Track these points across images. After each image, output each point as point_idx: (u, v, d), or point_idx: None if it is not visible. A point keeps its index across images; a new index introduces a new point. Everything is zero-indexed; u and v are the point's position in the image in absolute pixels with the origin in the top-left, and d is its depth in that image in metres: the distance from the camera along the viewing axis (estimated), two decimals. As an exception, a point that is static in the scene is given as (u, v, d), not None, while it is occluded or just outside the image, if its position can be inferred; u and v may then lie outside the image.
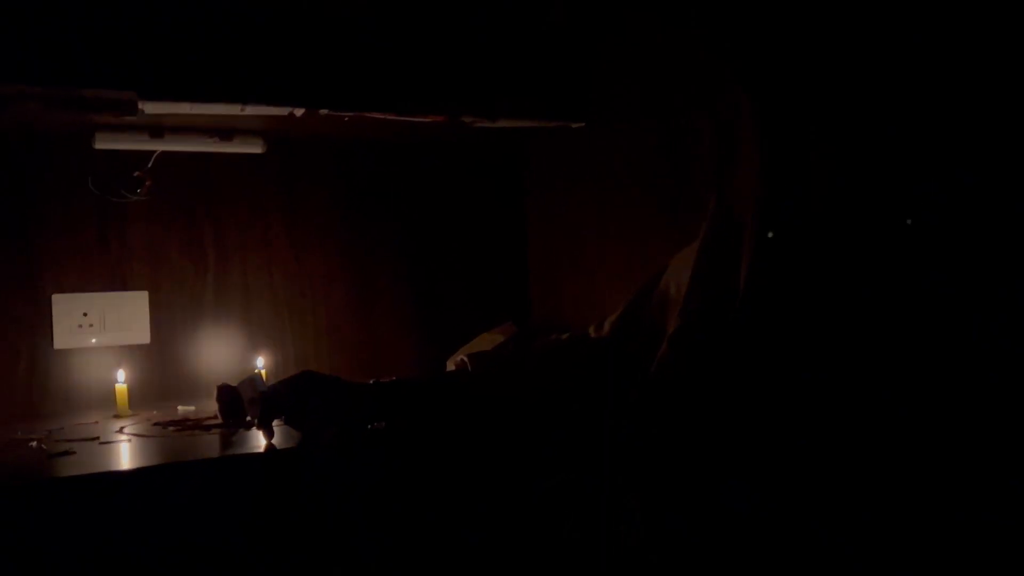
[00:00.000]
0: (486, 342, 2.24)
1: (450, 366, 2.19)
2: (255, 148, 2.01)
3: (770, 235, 1.04)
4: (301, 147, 2.14)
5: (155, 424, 1.56)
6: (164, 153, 1.94)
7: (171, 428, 1.51)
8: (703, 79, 1.36)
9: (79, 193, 1.90)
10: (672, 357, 1.13)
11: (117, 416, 1.71)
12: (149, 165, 1.95)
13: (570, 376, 1.34)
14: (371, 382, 1.37)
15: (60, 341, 1.88)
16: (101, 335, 1.92)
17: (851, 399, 1.03)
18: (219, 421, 1.52)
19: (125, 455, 1.30)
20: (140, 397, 1.90)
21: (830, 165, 1.05)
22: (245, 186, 2.09)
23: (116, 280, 1.95)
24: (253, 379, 1.40)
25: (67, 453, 1.30)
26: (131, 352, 1.95)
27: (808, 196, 1.05)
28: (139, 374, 1.94)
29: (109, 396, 1.81)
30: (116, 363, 1.90)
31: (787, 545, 1.05)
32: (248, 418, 1.43)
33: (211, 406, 1.72)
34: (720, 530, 1.09)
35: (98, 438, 1.42)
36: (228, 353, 2.05)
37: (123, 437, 1.43)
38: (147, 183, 1.94)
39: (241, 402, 1.53)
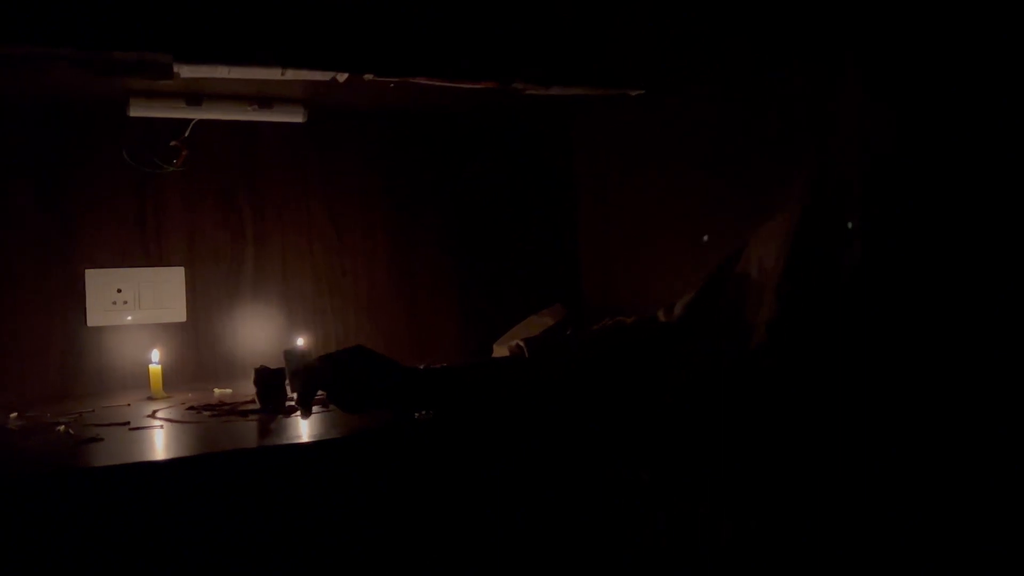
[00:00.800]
0: (534, 325, 2.13)
1: (497, 350, 2.09)
2: (296, 117, 1.91)
3: (883, 214, 0.91)
4: (343, 117, 2.03)
5: (189, 408, 1.47)
6: (201, 122, 1.85)
7: (205, 413, 1.42)
8: (791, 32, 1.22)
9: (113, 164, 1.81)
10: (773, 345, 1.01)
11: (151, 398, 1.63)
12: (186, 134, 1.85)
13: (638, 363, 1.22)
14: (421, 367, 1.26)
15: (94, 318, 1.80)
16: (136, 312, 1.84)
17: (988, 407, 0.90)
18: (256, 406, 1.43)
19: (154, 443, 1.21)
20: (175, 378, 1.82)
21: (952, 134, 0.91)
22: (285, 157, 1.99)
23: (151, 255, 1.87)
24: (301, 352, 1.30)
25: (95, 440, 1.21)
26: (166, 330, 1.87)
27: (927, 168, 0.92)
28: (174, 353, 1.86)
29: (143, 376, 1.72)
30: (151, 342, 1.82)
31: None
32: (289, 398, 1.33)
33: (248, 388, 1.63)
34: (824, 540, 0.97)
35: (128, 423, 1.33)
36: (266, 333, 1.96)
37: (155, 422, 1.34)
38: (183, 153, 1.85)
39: (280, 386, 1.43)
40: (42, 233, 1.77)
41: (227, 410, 1.42)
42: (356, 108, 2.02)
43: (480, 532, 1.22)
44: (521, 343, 1.34)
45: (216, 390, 1.70)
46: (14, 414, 1.46)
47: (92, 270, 1.81)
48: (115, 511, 1.02)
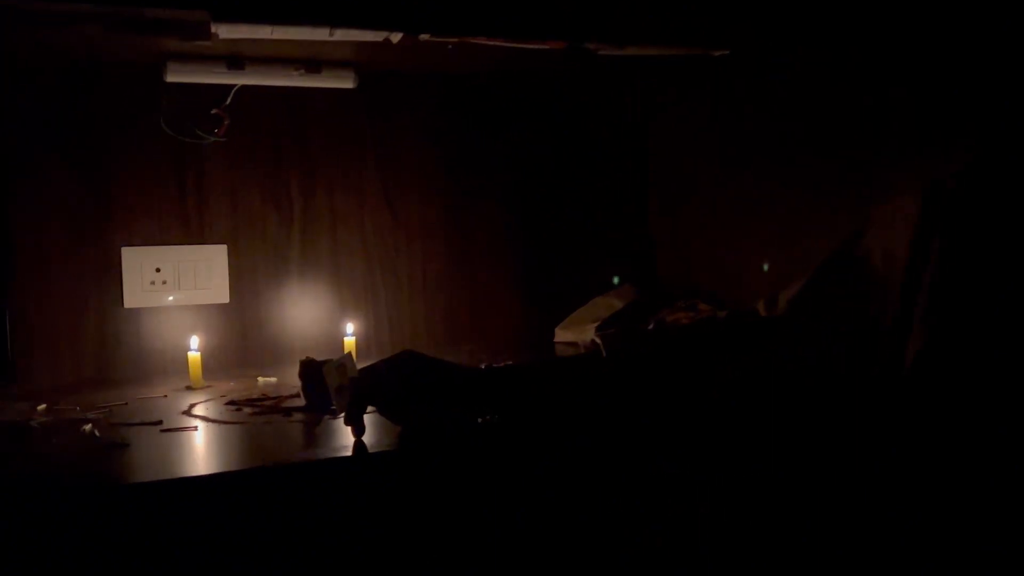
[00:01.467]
0: (601, 307, 1.97)
1: (560, 334, 1.93)
2: (346, 82, 1.76)
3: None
4: (397, 81, 1.87)
5: (228, 403, 1.34)
6: (244, 88, 1.70)
7: (247, 410, 1.28)
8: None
9: (151, 133, 1.68)
10: (943, 352, 0.83)
11: (189, 388, 1.50)
12: (227, 102, 1.71)
13: (733, 363, 1.05)
14: (482, 367, 1.11)
15: (130, 299, 1.68)
16: (175, 293, 1.71)
17: None
18: (302, 402, 1.29)
19: (184, 451, 1.07)
20: (216, 363, 1.70)
21: None
22: (335, 126, 1.84)
23: (192, 232, 1.74)
24: (341, 363, 1.15)
25: (120, 445, 1.08)
26: (207, 312, 1.74)
27: None
28: (216, 337, 1.73)
29: (182, 361, 1.60)
30: (191, 324, 1.70)
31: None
32: (333, 406, 1.18)
33: (294, 378, 1.50)
34: None
35: (161, 422, 1.20)
36: (314, 315, 1.82)
37: (190, 421, 1.21)
38: (225, 122, 1.71)
39: (323, 381, 1.29)
40: (75, 209, 1.65)
41: (269, 407, 1.28)
42: (411, 71, 1.87)
43: (521, 529, 1.06)
44: (597, 339, 1.18)
45: (260, 379, 1.57)
46: (43, 406, 1.35)
47: (129, 248, 1.69)
48: (131, 536, 0.89)
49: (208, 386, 1.52)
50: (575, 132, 2.07)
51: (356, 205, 1.87)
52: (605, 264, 2.09)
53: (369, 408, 1.08)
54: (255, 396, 1.40)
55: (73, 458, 1.06)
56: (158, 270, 1.70)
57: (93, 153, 1.66)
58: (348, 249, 1.86)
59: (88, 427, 1.17)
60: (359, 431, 1.05)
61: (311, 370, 1.30)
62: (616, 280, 2.00)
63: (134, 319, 1.69)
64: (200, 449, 1.09)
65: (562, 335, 1.95)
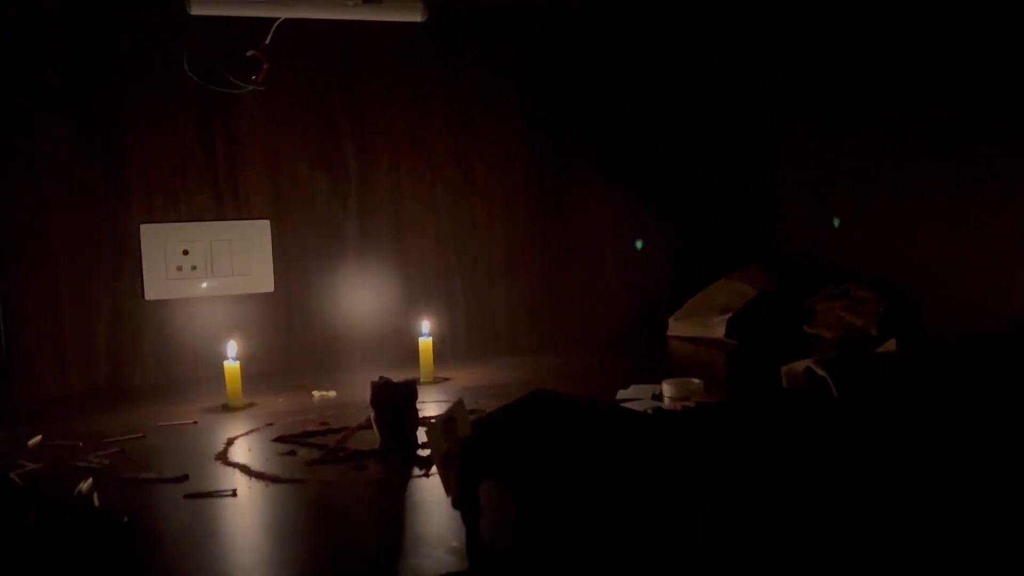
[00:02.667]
0: (726, 293, 1.62)
1: (674, 326, 1.59)
2: (412, 15, 1.40)
3: None
4: (475, 17, 1.51)
5: (278, 440, 1.00)
6: (287, 23, 1.35)
7: (303, 453, 0.95)
8: None
9: (173, 81, 1.35)
10: None
11: (227, 408, 1.17)
12: (267, 41, 1.36)
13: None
14: (652, 409, 0.76)
15: (152, 289, 1.36)
16: (207, 281, 1.38)
17: None
18: (373, 436, 0.96)
19: (213, 543, 0.73)
20: (260, 368, 1.39)
21: None
22: (398, 71, 1.50)
23: (226, 204, 1.41)
24: (448, 419, 0.77)
25: (121, 522, 0.75)
26: (248, 305, 1.42)
27: None
28: (259, 335, 1.41)
29: (216, 365, 1.28)
30: (227, 320, 1.38)
31: None
32: (432, 464, 0.84)
33: (356, 390, 1.20)
34: None
35: (186, 478, 0.86)
36: (377, 307, 1.49)
37: (225, 477, 0.87)
38: (264, 67, 1.37)
39: (409, 413, 0.96)
40: (82, 178, 1.33)
41: (333, 449, 0.94)
42: (491, 6, 1.51)
43: None
44: (818, 370, 0.82)
45: (315, 393, 1.24)
46: (36, 439, 1.03)
47: (149, 225, 1.36)
48: None
49: (250, 404, 1.19)
50: (687, 88, 1.70)
51: (424, 169, 1.52)
52: (724, 241, 1.72)
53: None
54: (312, 425, 1.06)
55: (52, 546, 0.72)
56: (185, 252, 1.37)
57: (102, 109, 1.33)
58: (415, 223, 1.52)
59: (86, 485, 0.84)
60: (473, 517, 0.71)
61: (387, 396, 0.96)
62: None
63: (157, 314, 1.37)
64: (235, 540, 0.75)
65: (678, 328, 1.60)
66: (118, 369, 1.35)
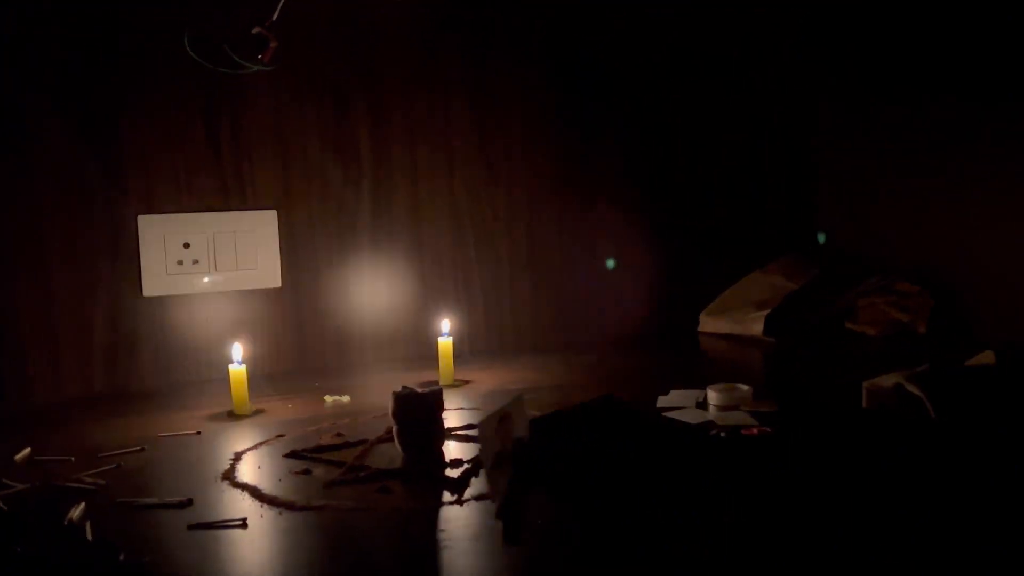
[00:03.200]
0: (762, 287, 1.52)
1: (705, 321, 1.50)
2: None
3: None
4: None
5: (290, 455, 0.90)
6: (296, -4, 1.24)
7: (317, 472, 0.85)
8: None
9: (173, 60, 1.24)
10: None
11: (232, 415, 1.07)
12: (274, 16, 1.25)
13: None
14: (724, 432, 0.67)
15: (151, 286, 1.26)
16: (210, 276, 1.29)
17: None
18: (394, 450, 0.86)
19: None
20: (268, 368, 1.30)
21: None
22: (415, 53, 1.39)
23: (231, 193, 1.31)
24: (505, 415, 0.65)
25: (115, 554, 0.65)
26: (254, 301, 1.32)
27: None
28: (266, 333, 1.32)
29: (219, 366, 1.19)
30: (231, 317, 1.29)
31: None
32: (464, 488, 0.74)
33: (371, 393, 1.12)
34: None
35: (190, 503, 0.77)
36: (392, 303, 1.40)
37: (232, 503, 0.77)
38: (271, 45, 1.26)
39: (433, 426, 0.86)
40: (73, 165, 1.23)
41: (351, 468, 0.85)
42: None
43: None
44: (912, 388, 0.71)
45: (327, 398, 1.14)
46: (24, 452, 0.94)
47: (147, 217, 1.26)
48: None
49: (257, 411, 1.10)
50: (722, 71, 1.60)
51: (443, 155, 1.42)
52: (759, 230, 1.62)
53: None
54: (326, 436, 0.96)
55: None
56: (187, 245, 1.28)
57: (95, 91, 1.23)
58: (433, 214, 1.42)
59: (77, 512, 0.75)
60: (515, 537, 0.61)
61: (411, 409, 0.86)
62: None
63: (156, 312, 1.27)
64: None
65: (711, 324, 1.51)
66: (115, 372, 1.26)
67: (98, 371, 1.25)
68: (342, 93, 1.35)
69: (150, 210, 1.26)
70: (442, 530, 0.70)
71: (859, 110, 1.56)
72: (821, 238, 1.55)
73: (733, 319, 1.46)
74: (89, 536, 0.70)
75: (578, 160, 1.50)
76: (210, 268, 1.29)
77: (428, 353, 1.26)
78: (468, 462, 0.83)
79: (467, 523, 0.70)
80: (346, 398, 1.14)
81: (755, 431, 0.81)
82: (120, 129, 1.24)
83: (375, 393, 1.14)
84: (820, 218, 1.65)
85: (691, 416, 0.95)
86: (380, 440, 0.93)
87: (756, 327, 1.41)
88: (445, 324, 1.23)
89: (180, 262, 1.28)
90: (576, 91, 1.48)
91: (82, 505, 0.76)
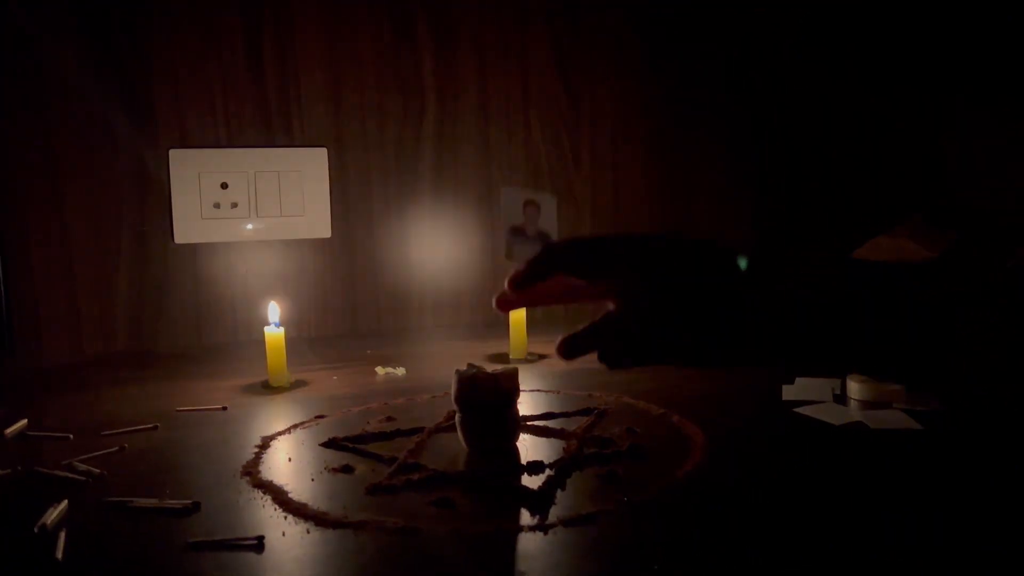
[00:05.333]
0: (887, 252, 1.29)
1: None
2: None
3: None
4: None
5: (328, 443, 0.73)
6: None
7: (361, 470, 0.68)
8: None
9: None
10: None
11: (267, 387, 0.91)
12: (327, -82, 1.07)
13: None
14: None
15: (183, 231, 1.10)
16: (251, 221, 1.12)
17: None
18: (457, 444, 0.68)
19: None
20: (312, 330, 1.12)
21: None
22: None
23: (274, 127, 1.13)
24: (532, 201, 0.64)
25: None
26: (299, 252, 1.15)
27: None
28: (311, 292, 1.15)
29: (256, 325, 1.03)
30: (273, 270, 1.11)
31: None
32: (547, 508, 0.56)
33: (429, 365, 0.98)
34: None
35: (197, 507, 0.60)
36: (455, 259, 1.22)
37: (246, 520, 0.60)
38: (324, -48, 1.08)
39: (505, 417, 0.68)
40: (94, 91, 1.06)
41: (403, 467, 0.67)
42: None
43: None
44: None
45: (379, 370, 0.97)
46: (20, 424, 0.79)
47: (180, 151, 1.09)
48: None
49: (296, 383, 0.93)
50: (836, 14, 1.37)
51: (518, 89, 1.23)
52: (879, 189, 1.39)
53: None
54: (373, 420, 0.79)
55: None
56: (224, 186, 1.11)
57: (120, 5, 1.05)
58: (504, 154, 1.23)
59: (54, 516, 0.58)
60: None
61: (479, 395, 0.68)
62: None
63: (188, 261, 1.11)
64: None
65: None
66: (139, 329, 1.10)
67: (120, 327, 1.09)
68: (405, 16, 1.16)
69: (183, 144, 1.09)
70: (521, 560, 0.52)
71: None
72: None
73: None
74: (59, 554, 0.53)
75: (670, 102, 1.29)
76: (250, 213, 1.13)
77: (497, 320, 1.08)
78: (551, 466, 0.65)
79: (550, 556, 0.52)
80: (401, 371, 0.97)
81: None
82: (148, 50, 1.07)
83: (435, 366, 0.97)
84: (952, 171, 1.41)
85: (832, 415, 0.76)
86: (439, 428, 0.76)
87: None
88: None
89: (217, 205, 1.11)
90: (676, 36, 1.27)
91: (63, 505, 0.60)
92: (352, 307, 1.18)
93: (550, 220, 0.66)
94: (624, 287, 0.57)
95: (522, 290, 0.60)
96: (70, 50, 1.04)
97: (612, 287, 0.59)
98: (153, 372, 0.99)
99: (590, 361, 0.59)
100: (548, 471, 0.64)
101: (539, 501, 0.59)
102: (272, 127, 1.13)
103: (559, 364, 1.01)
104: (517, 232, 0.67)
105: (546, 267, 0.60)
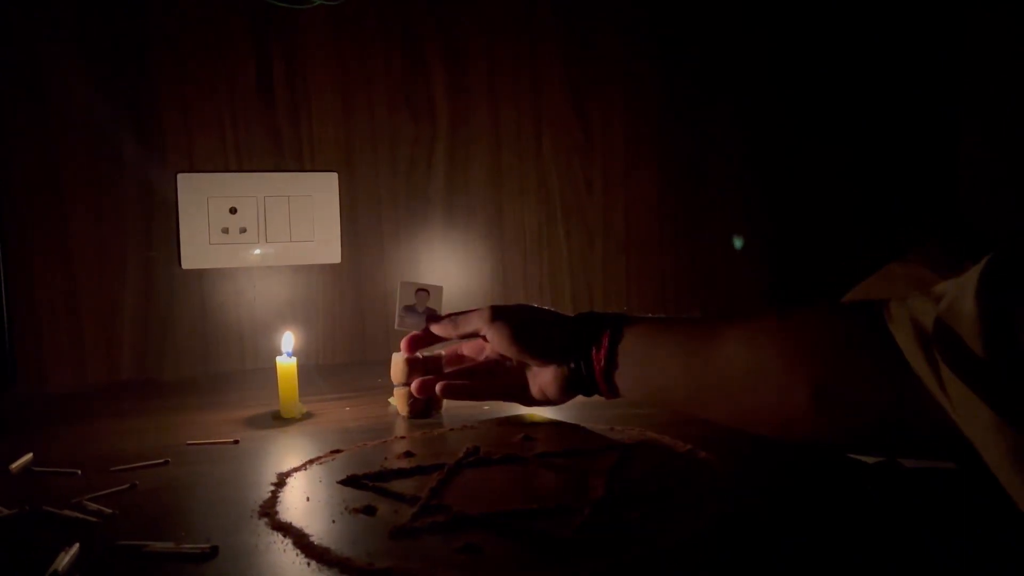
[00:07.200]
0: (900, 281, 1.27)
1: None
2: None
3: None
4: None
5: (347, 480, 0.70)
6: (366, -83, 1.05)
7: (382, 510, 0.66)
8: None
9: (220, -8, 1.05)
10: None
11: (278, 418, 0.88)
12: (340, -59, 1.06)
13: None
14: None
15: (190, 256, 1.08)
16: (260, 247, 1.10)
17: None
18: (481, 478, 0.66)
19: None
20: (322, 357, 1.10)
21: None
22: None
23: (285, 153, 1.11)
24: (423, 290, 0.90)
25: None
26: (309, 279, 1.13)
27: None
28: (321, 319, 1.13)
29: (266, 354, 1.02)
30: (282, 299, 1.09)
31: None
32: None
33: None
34: None
35: (215, 552, 0.58)
36: (467, 284, 1.20)
37: (266, 566, 0.57)
38: (336, -25, 1.07)
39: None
40: (101, 114, 1.04)
41: (425, 508, 0.65)
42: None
43: None
44: None
45: (392, 400, 0.94)
46: (25, 458, 0.76)
47: (188, 176, 1.07)
48: None
49: (308, 414, 0.91)
50: (854, 31, 1.36)
51: (530, 115, 1.21)
52: (900, 218, 1.39)
53: None
54: (391, 455, 0.77)
55: None
56: (233, 211, 1.09)
57: (125, 25, 1.04)
58: (516, 182, 1.22)
59: (65, 561, 0.56)
60: None
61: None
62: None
63: (195, 287, 1.09)
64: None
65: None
66: (145, 357, 1.08)
67: (125, 355, 1.07)
68: (417, 38, 1.15)
69: (191, 168, 1.07)
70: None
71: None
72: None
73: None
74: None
75: (683, 127, 1.28)
76: (259, 238, 1.11)
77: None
78: (581, 509, 0.63)
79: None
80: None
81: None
82: (158, 76, 1.05)
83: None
84: (966, 197, 1.40)
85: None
86: (459, 463, 0.73)
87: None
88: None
89: (225, 230, 1.09)
90: (690, 55, 1.26)
91: (75, 548, 0.58)
92: (361, 334, 1.16)
93: (436, 302, 0.91)
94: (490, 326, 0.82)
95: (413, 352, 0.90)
96: (78, 74, 1.02)
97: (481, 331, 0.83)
98: (160, 403, 0.97)
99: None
100: (581, 514, 0.62)
101: (571, 548, 0.56)
102: (282, 151, 1.11)
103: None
104: (409, 309, 0.90)
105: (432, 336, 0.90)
